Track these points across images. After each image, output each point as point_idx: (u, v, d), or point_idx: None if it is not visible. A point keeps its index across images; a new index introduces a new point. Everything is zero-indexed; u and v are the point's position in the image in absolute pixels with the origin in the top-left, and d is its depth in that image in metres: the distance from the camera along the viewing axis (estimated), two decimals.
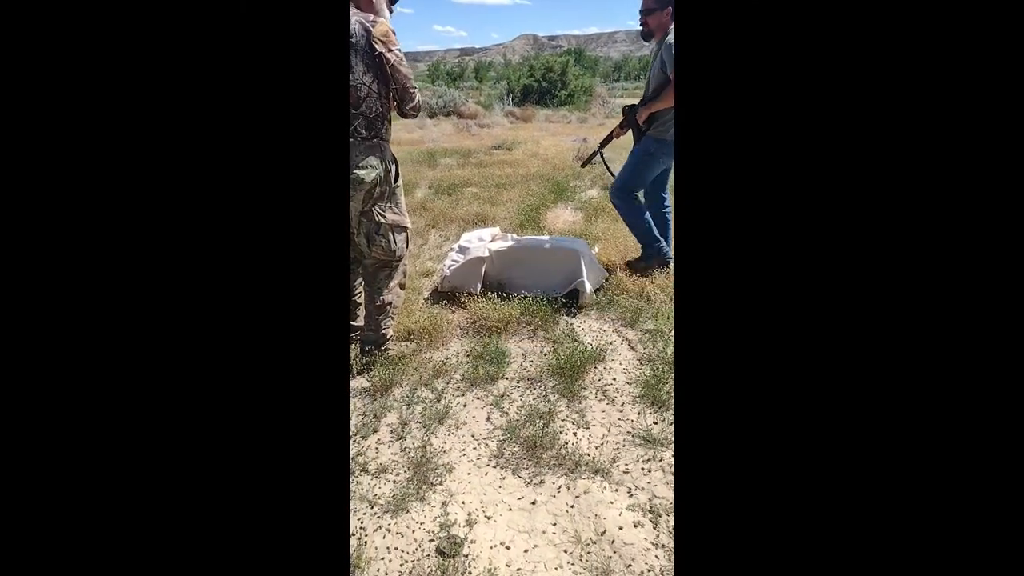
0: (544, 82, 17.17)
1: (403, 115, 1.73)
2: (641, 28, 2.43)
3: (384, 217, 1.77)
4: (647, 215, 2.56)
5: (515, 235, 2.65)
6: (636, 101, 2.56)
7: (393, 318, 1.93)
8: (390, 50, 1.58)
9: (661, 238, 2.59)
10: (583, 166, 2.89)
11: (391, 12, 1.72)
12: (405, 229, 1.83)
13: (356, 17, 1.56)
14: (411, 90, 1.67)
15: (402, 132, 8.66)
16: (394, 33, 1.60)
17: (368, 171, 1.67)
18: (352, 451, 1.50)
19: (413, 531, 1.24)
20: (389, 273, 1.86)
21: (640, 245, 2.64)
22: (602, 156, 2.82)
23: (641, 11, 2.36)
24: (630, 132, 2.58)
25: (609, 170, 2.84)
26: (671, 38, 2.30)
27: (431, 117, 11.52)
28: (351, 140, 1.63)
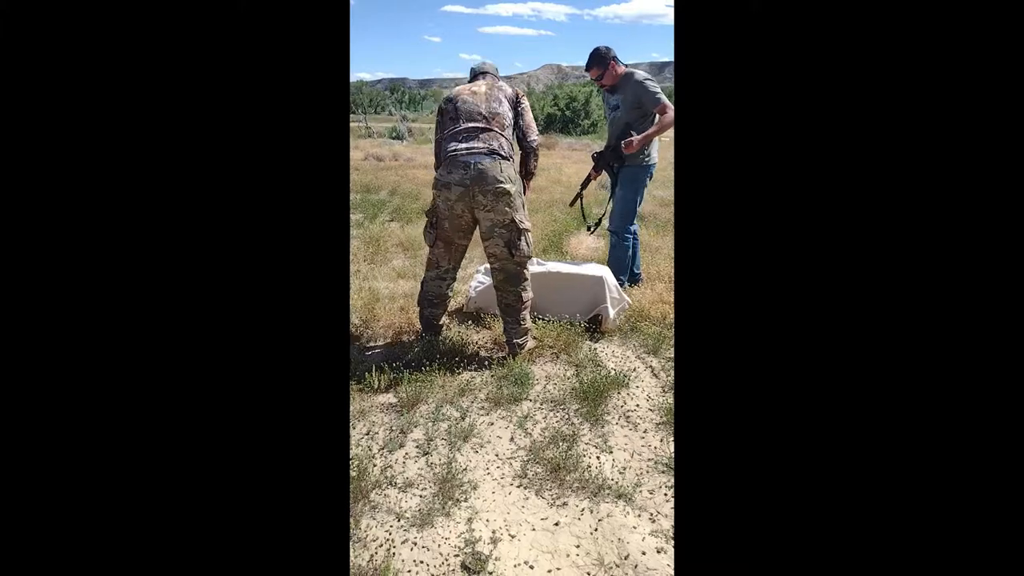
0: (567, 111, 17.46)
1: (524, 147, 2.21)
2: (602, 89, 2.76)
3: (523, 224, 2.05)
4: (631, 254, 2.79)
5: (539, 260, 2.70)
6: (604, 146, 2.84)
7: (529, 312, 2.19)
8: (523, 106, 2.22)
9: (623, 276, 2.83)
10: (571, 205, 3.15)
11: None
12: (530, 232, 2.13)
13: (504, 85, 2.24)
14: (532, 126, 2.22)
15: (429, 156, 8.85)
16: (525, 95, 2.26)
17: (512, 184, 2.01)
18: (380, 464, 1.54)
19: (439, 545, 1.26)
20: (523, 273, 2.11)
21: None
22: (581, 200, 2.99)
23: (594, 79, 2.71)
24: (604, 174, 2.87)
25: (583, 213, 3.06)
26: (638, 75, 2.59)
27: None
28: (494, 158, 1.98)
